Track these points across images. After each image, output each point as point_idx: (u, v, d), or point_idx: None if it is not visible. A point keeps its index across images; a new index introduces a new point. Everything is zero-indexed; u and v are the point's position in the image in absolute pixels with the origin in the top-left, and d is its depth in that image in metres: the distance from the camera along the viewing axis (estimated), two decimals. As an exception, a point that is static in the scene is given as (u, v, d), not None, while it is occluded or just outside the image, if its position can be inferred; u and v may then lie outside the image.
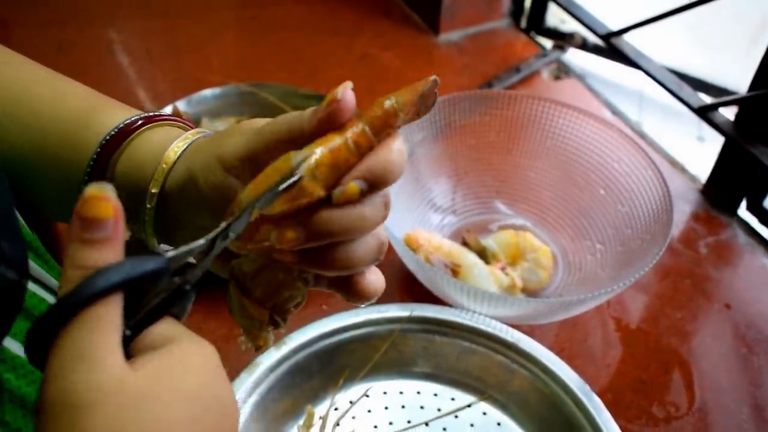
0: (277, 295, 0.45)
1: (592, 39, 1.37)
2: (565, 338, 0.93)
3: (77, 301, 0.32)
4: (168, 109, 1.10)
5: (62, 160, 0.50)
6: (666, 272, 1.02)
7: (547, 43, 1.41)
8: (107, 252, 0.33)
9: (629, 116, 1.28)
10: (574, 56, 1.40)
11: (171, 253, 0.36)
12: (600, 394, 0.76)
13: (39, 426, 0.31)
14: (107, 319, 0.32)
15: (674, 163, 1.18)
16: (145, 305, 0.36)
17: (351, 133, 0.40)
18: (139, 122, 0.50)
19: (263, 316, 0.45)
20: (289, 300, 0.46)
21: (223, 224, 0.39)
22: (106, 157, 0.49)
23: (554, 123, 1.01)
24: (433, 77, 0.41)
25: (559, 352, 0.80)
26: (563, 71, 1.33)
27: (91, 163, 0.49)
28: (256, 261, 0.44)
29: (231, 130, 0.45)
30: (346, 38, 1.41)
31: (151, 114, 0.51)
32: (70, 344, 0.32)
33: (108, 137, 0.49)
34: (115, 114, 0.51)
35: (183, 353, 0.35)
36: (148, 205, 0.47)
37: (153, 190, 0.47)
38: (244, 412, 0.74)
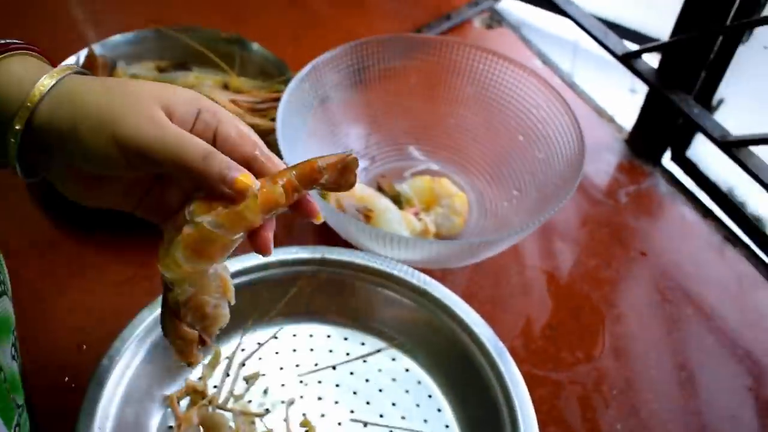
0: (204, 319, 0.53)
1: (527, -12, 1.35)
2: (476, 284, 0.92)
3: None
4: (83, 53, 1.06)
5: None
6: (585, 220, 1.02)
7: (482, -8, 1.39)
8: None
9: (562, 67, 1.26)
10: (508, 5, 1.38)
11: None
12: (508, 341, 0.76)
13: None
14: None
15: (602, 113, 1.17)
16: None
17: (282, 181, 0.49)
18: None
19: (194, 336, 0.54)
20: (215, 323, 0.54)
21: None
22: None
23: (477, 69, 1.00)
24: (353, 156, 0.50)
25: (469, 298, 0.79)
26: (496, 20, 1.31)
27: None
28: (187, 291, 0.52)
29: (132, 102, 0.47)
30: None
31: (6, 42, 0.51)
32: None
33: None
34: None
35: None
36: (12, 140, 0.48)
37: (17, 127, 0.48)
38: (144, 349, 0.72)
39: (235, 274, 0.77)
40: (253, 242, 0.50)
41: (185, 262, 0.49)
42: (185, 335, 0.53)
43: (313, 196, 0.81)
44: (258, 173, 0.49)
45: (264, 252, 0.50)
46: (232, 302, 0.54)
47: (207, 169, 0.46)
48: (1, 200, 0.96)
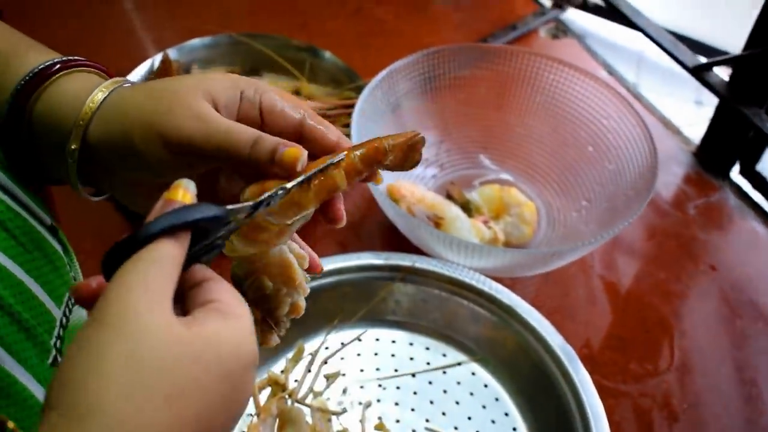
0: (265, 301, 0.50)
1: (593, -1, 1.35)
2: (544, 294, 0.92)
3: (149, 233, 0.36)
4: (158, 57, 1.09)
5: None
6: (653, 232, 1.01)
7: (546, 2, 1.39)
8: None
9: (627, 78, 1.26)
10: (573, 16, 1.38)
11: (230, 207, 0.41)
12: (576, 351, 0.76)
13: (87, 330, 0.34)
14: (162, 281, 0.36)
15: (668, 125, 1.17)
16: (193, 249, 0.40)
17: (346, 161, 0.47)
18: (56, 67, 0.50)
19: (256, 315, 0.51)
20: (279, 307, 0.51)
21: (266, 194, 0.43)
22: (24, 100, 0.49)
23: (546, 79, 1.00)
24: (421, 135, 0.47)
25: (537, 308, 0.79)
26: (561, 30, 1.31)
27: (8, 106, 0.49)
28: (243, 266, 0.50)
29: (174, 99, 0.46)
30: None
31: (68, 58, 0.51)
32: (133, 271, 0.35)
33: (23, 81, 0.49)
34: (33, 57, 0.51)
35: (232, 328, 0.38)
36: (70, 160, 0.49)
37: (73, 146, 0.48)
38: None
39: (325, 274, 0.79)
40: (325, 214, 0.49)
41: (242, 248, 0.48)
42: None
43: (383, 199, 0.83)
44: (309, 137, 0.48)
45: (338, 222, 0.49)
46: (301, 292, 0.52)
47: (256, 154, 0.45)
48: (75, 201, 0.98)
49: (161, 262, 0.36)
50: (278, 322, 0.52)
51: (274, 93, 0.48)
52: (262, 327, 0.51)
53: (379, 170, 0.49)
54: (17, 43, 0.53)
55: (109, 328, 0.34)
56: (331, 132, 0.48)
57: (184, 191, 0.39)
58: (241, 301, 0.40)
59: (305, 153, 0.45)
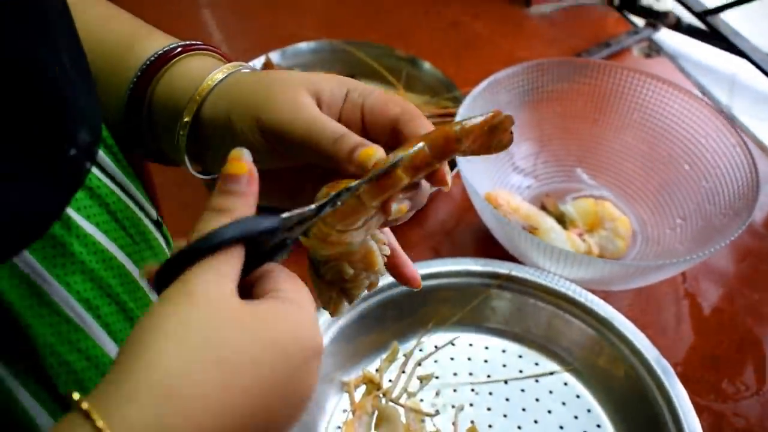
0: (343, 283, 0.49)
1: (687, 19, 1.35)
2: (637, 309, 0.92)
3: (203, 248, 0.37)
4: (261, 60, 1.13)
5: (106, 83, 0.52)
6: (746, 254, 1.01)
7: (640, 22, 1.39)
8: (239, 202, 0.39)
9: (720, 99, 1.25)
10: (666, 36, 1.37)
11: (285, 215, 0.40)
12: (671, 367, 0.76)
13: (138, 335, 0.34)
14: (226, 269, 0.36)
15: (763, 148, 1.16)
16: (257, 255, 0.40)
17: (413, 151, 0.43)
18: (178, 50, 0.52)
19: (332, 292, 0.50)
20: (356, 288, 0.49)
21: (333, 194, 0.42)
22: (146, 81, 0.51)
23: (643, 96, 1.01)
24: (507, 114, 0.44)
25: (633, 322, 0.80)
26: (654, 50, 1.32)
27: (131, 86, 0.51)
28: (321, 253, 0.48)
29: (277, 88, 0.47)
30: (438, 3, 1.42)
31: (189, 42, 0.53)
32: (190, 283, 0.36)
33: (148, 62, 0.52)
34: (156, 41, 0.53)
35: (292, 314, 0.38)
36: (181, 132, 0.50)
37: (186, 119, 0.49)
38: (331, 332, 0.77)
39: (423, 278, 0.79)
40: (431, 178, 0.46)
41: (319, 249, 0.46)
42: (323, 291, 0.50)
43: (482, 203, 0.84)
44: (403, 134, 0.45)
45: (443, 185, 0.46)
46: (382, 274, 0.50)
47: (337, 150, 0.44)
48: (177, 191, 1.02)
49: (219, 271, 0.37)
50: (353, 298, 0.51)
51: (380, 96, 0.47)
52: (336, 299, 0.50)
53: (452, 169, 0.46)
54: (139, 28, 0.55)
55: (172, 298, 0.35)
56: (423, 126, 0.45)
57: (242, 163, 0.39)
58: (304, 290, 0.40)
59: (381, 152, 0.43)
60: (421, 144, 0.43)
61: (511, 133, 0.45)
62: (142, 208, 0.54)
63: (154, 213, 0.56)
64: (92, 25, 0.54)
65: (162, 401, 0.32)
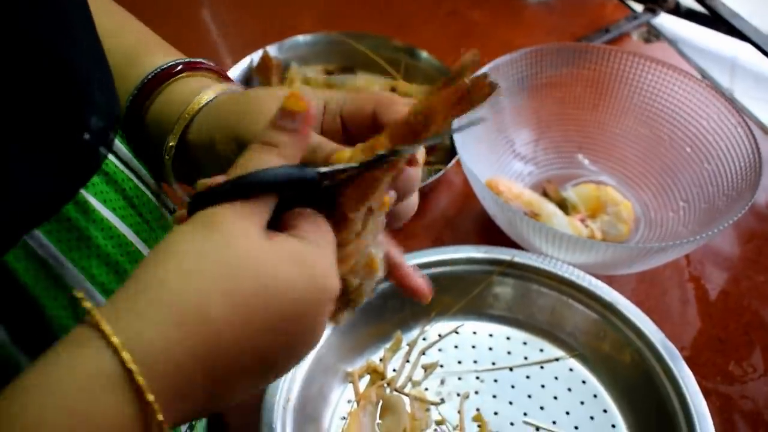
0: (346, 294, 0.49)
1: (685, 2, 1.34)
2: (642, 293, 0.92)
3: (238, 187, 0.37)
4: (258, 53, 1.12)
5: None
6: (751, 236, 1.00)
7: (638, 7, 1.39)
8: (290, 141, 0.39)
9: (720, 82, 1.25)
10: (665, 20, 1.37)
11: (325, 168, 0.40)
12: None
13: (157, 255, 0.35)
14: (254, 211, 0.37)
15: (765, 130, 1.15)
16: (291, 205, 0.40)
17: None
18: (179, 68, 0.52)
19: (336, 304, 0.48)
20: (359, 297, 0.50)
21: (381, 152, 0.41)
22: (144, 97, 0.52)
23: (643, 79, 1.00)
24: (475, 76, 0.40)
25: (637, 306, 0.79)
26: (653, 34, 1.31)
27: (130, 99, 0.52)
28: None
29: (253, 105, 0.47)
30: (436, -8, 1.42)
31: (192, 60, 0.54)
32: (216, 215, 0.37)
33: (146, 80, 0.52)
34: (160, 56, 0.53)
35: (309, 252, 0.38)
36: (167, 156, 0.51)
37: (170, 143, 0.50)
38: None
39: (424, 266, 0.80)
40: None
41: None
42: None
43: (483, 190, 0.84)
44: (381, 124, 0.45)
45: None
46: (380, 275, 0.50)
47: (314, 159, 0.43)
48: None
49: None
50: (356, 306, 0.51)
51: (353, 99, 0.47)
52: (338, 310, 0.50)
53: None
54: (148, 41, 0.56)
55: (188, 228, 0.36)
56: (400, 113, 0.44)
57: (302, 101, 0.39)
58: (326, 232, 0.40)
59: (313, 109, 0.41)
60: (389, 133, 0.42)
61: (489, 86, 0.40)
62: (158, 197, 0.54)
63: (170, 204, 0.56)
64: (104, 36, 0.54)
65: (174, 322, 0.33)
